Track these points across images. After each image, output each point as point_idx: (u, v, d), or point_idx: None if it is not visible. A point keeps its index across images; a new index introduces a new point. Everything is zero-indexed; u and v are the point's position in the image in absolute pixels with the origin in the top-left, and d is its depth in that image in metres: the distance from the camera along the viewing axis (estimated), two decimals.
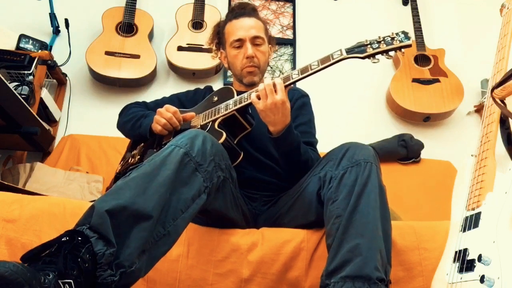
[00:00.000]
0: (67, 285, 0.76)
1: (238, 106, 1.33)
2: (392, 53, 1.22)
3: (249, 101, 1.30)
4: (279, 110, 1.24)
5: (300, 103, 1.54)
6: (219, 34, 1.61)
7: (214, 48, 1.66)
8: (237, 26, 1.51)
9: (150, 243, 0.90)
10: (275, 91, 1.23)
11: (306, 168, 1.30)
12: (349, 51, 1.23)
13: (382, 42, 1.21)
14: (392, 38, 1.21)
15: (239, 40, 1.49)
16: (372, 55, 1.22)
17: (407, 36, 1.20)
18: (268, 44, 1.56)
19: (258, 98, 1.26)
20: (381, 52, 1.21)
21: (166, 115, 1.40)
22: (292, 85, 1.29)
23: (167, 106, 1.42)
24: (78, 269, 0.78)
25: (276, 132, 1.28)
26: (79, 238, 0.82)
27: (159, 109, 1.42)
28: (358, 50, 1.22)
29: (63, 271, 0.77)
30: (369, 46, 1.22)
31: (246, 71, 1.49)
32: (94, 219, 0.84)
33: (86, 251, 0.80)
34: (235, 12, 1.56)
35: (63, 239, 0.82)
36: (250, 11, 1.56)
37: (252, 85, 1.46)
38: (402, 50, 1.21)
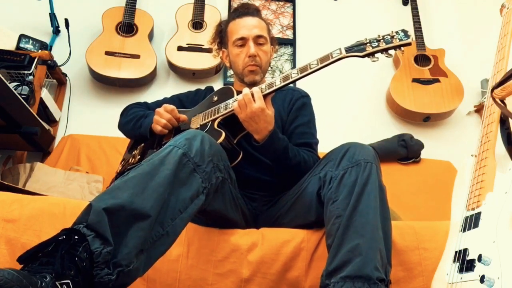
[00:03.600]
0: (64, 286, 0.75)
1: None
2: (391, 51, 1.22)
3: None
4: (260, 118, 1.26)
5: (300, 104, 1.54)
6: (221, 33, 1.61)
7: (215, 47, 1.66)
8: (240, 24, 1.52)
9: (149, 242, 0.90)
10: (254, 100, 1.25)
11: (300, 171, 1.31)
12: (349, 49, 1.23)
13: (382, 40, 1.21)
14: (392, 37, 1.21)
15: (242, 38, 1.49)
16: (372, 54, 1.22)
17: (406, 35, 1.20)
18: (270, 45, 1.57)
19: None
20: (381, 51, 1.21)
21: (165, 116, 1.41)
22: (273, 93, 1.30)
23: (165, 105, 1.43)
24: (76, 268, 0.78)
25: (260, 140, 1.30)
26: (76, 237, 0.81)
27: (158, 109, 1.43)
28: (357, 49, 1.22)
29: (60, 271, 0.76)
30: (368, 44, 1.22)
31: (248, 70, 1.49)
32: (91, 218, 0.84)
33: (83, 249, 0.80)
34: (239, 11, 1.56)
35: (60, 238, 0.81)
36: (253, 11, 1.56)
37: (254, 84, 1.46)
38: (402, 48, 1.21)
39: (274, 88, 1.29)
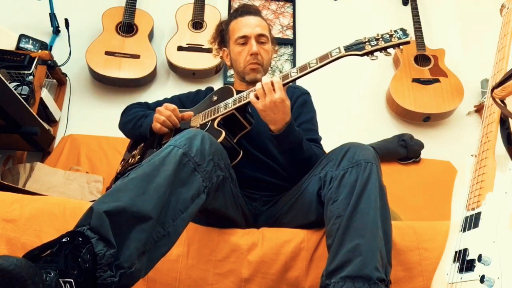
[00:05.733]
0: (67, 284, 0.76)
1: (237, 105, 1.33)
2: (390, 50, 1.22)
3: (247, 100, 1.30)
4: (279, 108, 1.24)
5: (301, 101, 1.55)
6: (222, 32, 1.62)
7: (216, 46, 1.66)
8: (242, 23, 1.52)
9: (150, 244, 0.90)
10: (274, 89, 1.24)
11: (310, 165, 1.29)
12: (348, 48, 1.23)
13: (380, 39, 1.21)
14: (391, 35, 1.21)
15: (244, 37, 1.50)
16: (371, 52, 1.22)
17: (405, 33, 1.20)
18: (271, 44, 1.57)
19: (257, 97, 1.26)
20: (380, 49, 1.21)
21: (165, 113, 1.41)
22: (290, 84, 1.29)
23: (166, 104, 1.43)
24: (79, 269, 0.78)
25: (277, 131, 1.28)
26: (80, 239, 0.82)
27: (158, 108, 1.43)
28: (356, 48, 1.23)
29: (64, 270, 0.76)
30: (367, 43, 1.22)
31: (249, 68, 1.49)
32: (93, 221, 0.84)
33: (86, 251, 0.80)
34: (241, 10, 1.57)
35: (63, 240, 0.81)
36: (255, 11, 1.57)
37: (255, 82, 1.46)
38: (401, 47, 1.21)
39: (289, 79, 1.28)
